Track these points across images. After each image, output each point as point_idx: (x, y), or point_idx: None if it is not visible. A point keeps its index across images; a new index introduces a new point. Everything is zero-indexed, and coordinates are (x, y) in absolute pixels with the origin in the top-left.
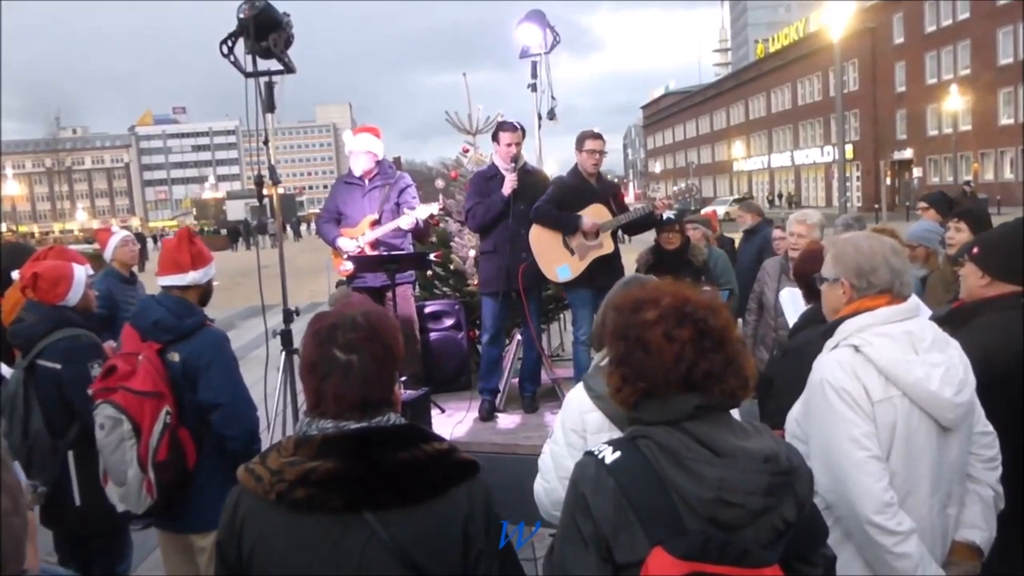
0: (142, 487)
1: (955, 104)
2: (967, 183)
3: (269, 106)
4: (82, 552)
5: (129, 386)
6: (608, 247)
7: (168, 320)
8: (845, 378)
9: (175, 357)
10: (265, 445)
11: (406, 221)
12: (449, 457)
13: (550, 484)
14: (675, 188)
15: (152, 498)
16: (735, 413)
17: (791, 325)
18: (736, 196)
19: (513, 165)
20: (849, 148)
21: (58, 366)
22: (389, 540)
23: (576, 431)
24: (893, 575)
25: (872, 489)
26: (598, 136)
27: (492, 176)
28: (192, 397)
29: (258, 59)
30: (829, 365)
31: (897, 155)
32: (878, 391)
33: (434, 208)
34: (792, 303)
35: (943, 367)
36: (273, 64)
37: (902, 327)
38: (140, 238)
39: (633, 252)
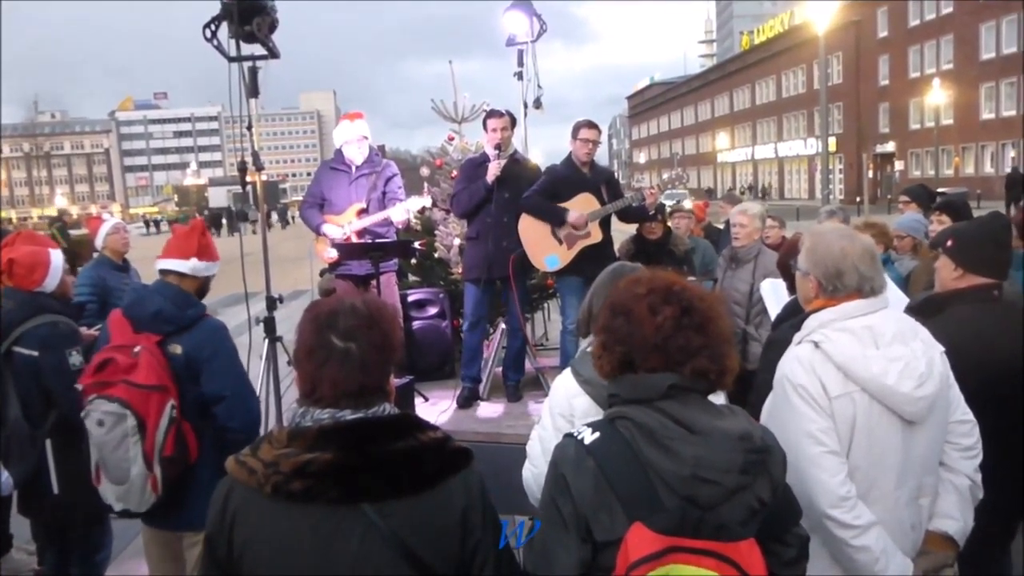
0: (146, 484)
1: (937, 98)
2: None
3: (253, 91)
4: (60, 541)
5: (133, 380)
6: (596, 236)
7: (170, 311)
8: (803, 374)
9: (177, 349)
10: None
11: (398, 215)
12: (444, 446)
13: (539, 469)
14: (664, 176)
15: (156, 494)
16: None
17: (772, 316)
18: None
19: (498, 152)
20: (832, 141)
21: (35, 353)
22: (387, 531)
23: (564, 416)
24: (854, 566)
25: (828, 484)
26: (593, 125)
27: (481, 163)
28: (193, 390)
29: (242, 44)
30: (789, 362)
31: (879, 148)
32: (836, 387)
33: (427, 200)
34: (774, 294)
35: (903, 361)
36: (257, 49)
37: (863, 321)
38: None
39: (615, 243)
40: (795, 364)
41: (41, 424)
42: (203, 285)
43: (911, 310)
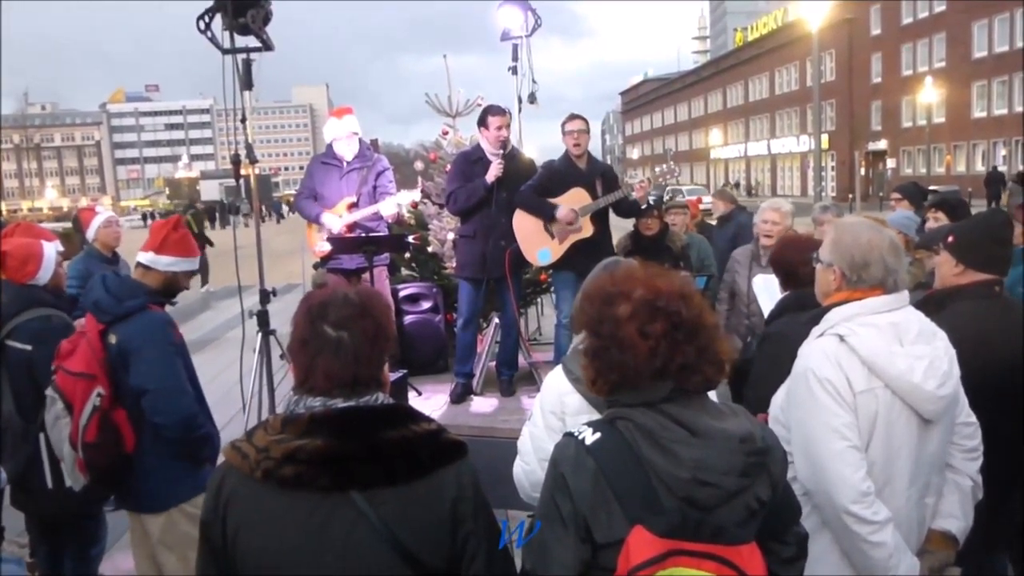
0: (75, 466)
1: (929, 96)
2: None
3: (246, 84)
4: (53, 535)
5: (65, 366)
6: (587, 231)
7: (105, 301)
8: (829, 368)
9: (112, 339)
10: (239, 425)
11: (388, 209)
12: (437, 437)
13: (529, 466)
14: (656, 170)
15: (85, 478)
16: (712, 395)
17: (765, 312)
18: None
19: (502, 152)
20: (824, 138)
21: (28, 347)
22: (376, 520)
23: (555, 413)
24: (867, 563)
25: (850, 479)
26: (576, 117)
27: (477, 160)
28: (127, 380)
29: (236, 36)
30: (814, 354)
31: (871, 146)
32: (861, 382)
33: (416, 194)
34: (766, 290)
35: (927, 360)
36: (251, 41)
37: (888, 318)
38: None
39: (614, 237)
40: (820, 357)
41: (34, 418)
42: (170, 280)
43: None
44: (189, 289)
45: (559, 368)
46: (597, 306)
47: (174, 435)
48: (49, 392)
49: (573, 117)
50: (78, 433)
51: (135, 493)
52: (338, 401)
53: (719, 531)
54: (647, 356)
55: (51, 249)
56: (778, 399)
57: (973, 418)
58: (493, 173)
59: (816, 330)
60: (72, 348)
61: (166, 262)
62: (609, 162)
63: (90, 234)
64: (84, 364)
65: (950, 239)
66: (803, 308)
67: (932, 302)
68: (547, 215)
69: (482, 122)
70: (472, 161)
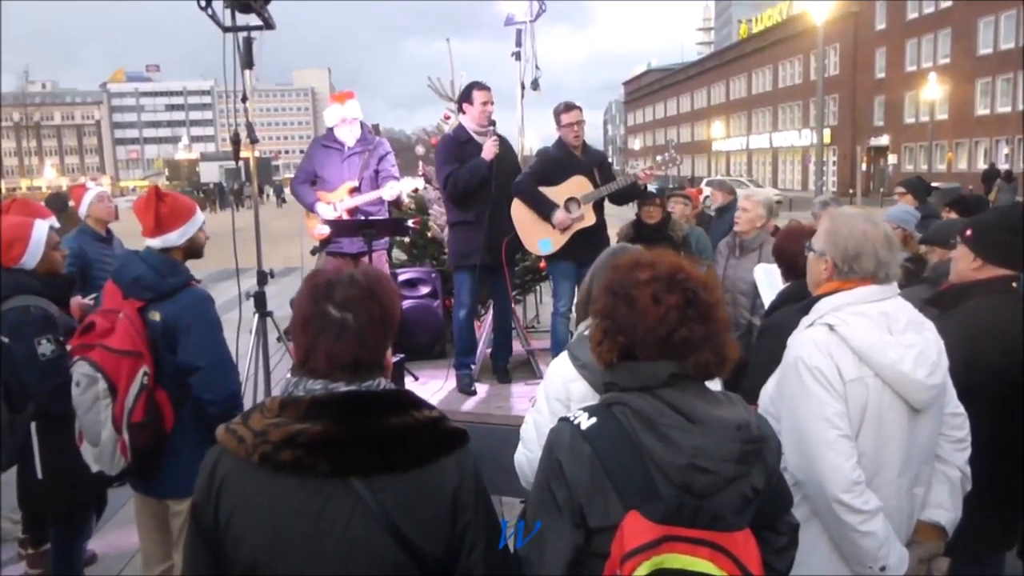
0: (116, 448)
1: (933, 92)
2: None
3: (247, 63)
4: (44, 524)
5: (107, 344)
6: (590, 219)
7: (149, 278)
8: (819, 357)
9: (156, 316)
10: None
11: (390, 192)
12: (439, 425)
13: (533, 454)
14: (658, 159)
15: (126, 460)
16: (714, 387)
17: (767, 302)
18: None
19: (492, 127)
20: (827, 132)
21: (5, 340)
22: (376, 507)
23: (560, 400)
24: (857, 553)
25: (841, 468)
26: (572, 107)
27: (466, 141)
28: (171, 358)
29: (237, 14)
30: (804, 344)
31: (874, 141)
32: (851, 371)
33: (419, 182)
34: (767, 280)
35: (917, 349)
36: (252, 19)
37: (878, 307)
38: None
39: (613, 227)
40: (810, 346)
41: (22, 409)
42: (188, 248)
43: (927, 302)
44: (208, 239)
45: (564, 355)
46: (621, 272)
47: (219, 411)
48: (86, 371)
49: (570, 107)
50: (123, 414)
51: (163, 477)
52: (340, 385)
53: (715, 518)
54: (655, 322)
55: (41, 230)
56: (767, 390)
57: (961, 409)
58: (491, 150)
59: (805, 320)
60: (110, 326)
61: (176, 236)
62: (611, 152)
63: (82, 211)
64: (129, 342)
65: (968, 232)
66: (804, 299)
67: (948, 297)
68: (544, 213)
69: (466, 98)
70: (462, 142)
